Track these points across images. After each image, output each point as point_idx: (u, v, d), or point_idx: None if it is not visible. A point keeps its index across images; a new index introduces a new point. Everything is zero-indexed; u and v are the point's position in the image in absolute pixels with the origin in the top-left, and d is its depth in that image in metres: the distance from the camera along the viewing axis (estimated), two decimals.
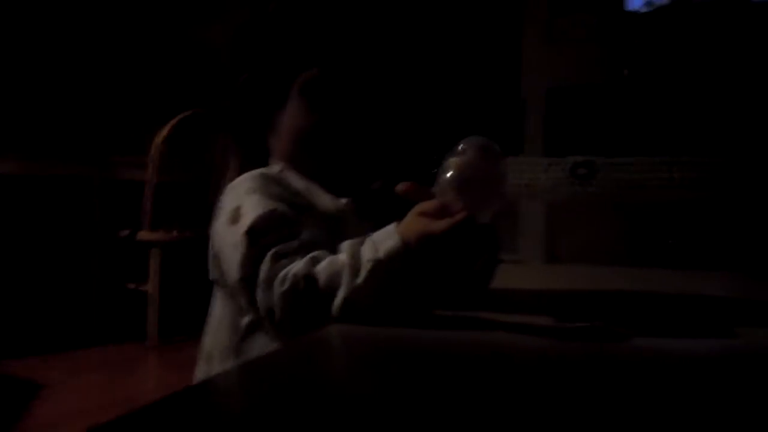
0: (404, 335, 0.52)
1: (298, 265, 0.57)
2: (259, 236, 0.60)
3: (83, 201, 2.75)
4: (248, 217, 0.62)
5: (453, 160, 0.56)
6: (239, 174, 2.94)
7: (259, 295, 0.58)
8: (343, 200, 0.70)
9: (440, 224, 0.54)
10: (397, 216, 0.74)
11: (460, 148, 0.56)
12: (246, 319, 0.65)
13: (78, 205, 2.77)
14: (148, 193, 2.62)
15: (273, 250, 0.58)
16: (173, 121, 2.62)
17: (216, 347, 0.68)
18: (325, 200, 0.69)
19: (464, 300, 0.62)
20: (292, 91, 0.72)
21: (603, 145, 2.10)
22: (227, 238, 0.63)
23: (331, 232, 0.64)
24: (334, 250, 0.60)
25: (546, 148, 2.50)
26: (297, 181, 0.70)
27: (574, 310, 0.67)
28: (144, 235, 2.64)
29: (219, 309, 0.69)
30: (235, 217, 0.64)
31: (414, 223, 0.56)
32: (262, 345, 0.63)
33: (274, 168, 0.73)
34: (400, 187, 0.58)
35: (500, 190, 0.56)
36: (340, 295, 0.55)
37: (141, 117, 3.10)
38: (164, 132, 2.60)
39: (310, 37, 0.73)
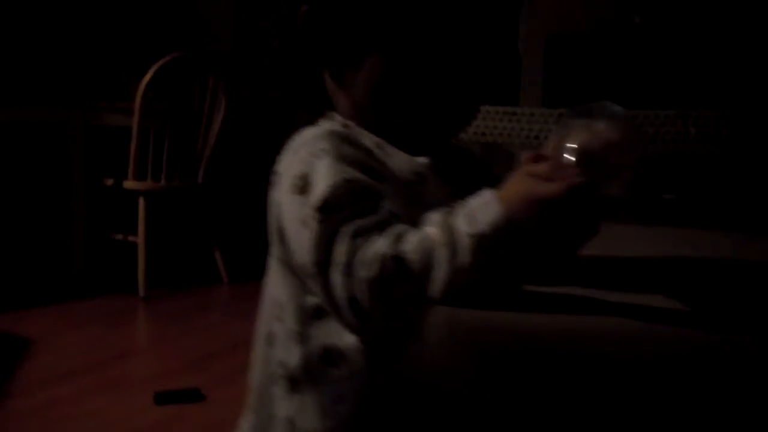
0: (519, 322, 0.45)
1: (381, 245, 0.48)
2: (333, 211, 0.51)
3: (66, 148, 2.62)
4: (320, 188, 0.52)
5: (579, 123, 0.48)
6: (224, 122, 2.77)
7: (337, 281, 0.49)
8: (422, 159, 0.58)
9: (552, 186, 0.46)
10: (481, 176, 0.67)
11: (583, 110, 0.49)
12: (312, 300, 0.56)
13: (60, 152, 2.65)
14: (134, 140, 2.51)
15: (351, 227, 0.49)
16: (158, 65, 2.49)
17: (279, 330, 0.59)
18: (400, 160, 0.58)
19: (553, 271, 0.55)
20: (373, 38, 0.58)
21: (609, 96, 2.03)
22: (293, 211, 0.53)
23: (408, 197, 0.56)
24: (412, 219, 0.51)
25: (544, 99, 2.42)
26: (367, 139, 0.58)
27: (662, 282, 0.60)
28: (130, 183, 2.54)
29: (279, 287, 0.59)
30: (303, 186, 0.53)
31: (518, 184, 0.48)
32: (332, 329, 0.54)
33: (336, 123, 0.61)
34: (526, 157, 0.50)
35: (632, 162, 0.48)
36: (439, 277, 0.47)
37: (127, 61, 2.95)
38: (149, 76, 2.47)
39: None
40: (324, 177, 0.52)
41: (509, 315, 0.46)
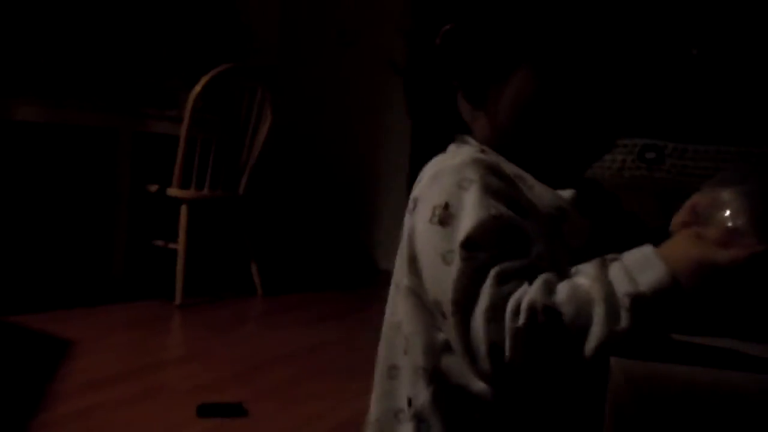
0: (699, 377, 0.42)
1: (531, 292, 0.45)
2: (478, 249, 0.47)
3: (113, 153, 2.65)
4: (465, 223, 0.48)
5: (728, 192, 0.47)
6: (269, 135, 2.77)
7: (479, 325, 0.46)
8: (567, 193, 0.55)
9: (730, 253, 0.43)
10: (615, 212, 0.64)
11: (723, 178, 0.48)
12: (443, 336, 0.54)
13: (107, 157, 2.68)
14: (181, 149, 2.52)
15: (496, 269, 0.46)
16: (209, 76, 2.51)
17: (404, 364, 0.57)
18: (542, 193, 0.54)
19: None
20: (525, 52, 0.55)
21: (666, 129, 2.00)
22: (432, 243, 0.50)
23: (550, 233, 0.53)
24: (554, 256, 0.49)
25: None
26: (508, 168, 0.55)
27: None
28: (174, 191, 2.56)
29: (406, 319, 0.57)
30: (445, 218, 0.50)
31: (688, 246, 0.45)
32: (461, 370, 0.52)
33: (475, 149, 0.57)
34: (676, 222, 0.48)
35: None
36: (595, 337, 0.44)
37: (176, 71, 2.99)
38: (200, 86, 2.50)
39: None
40: (469, 211, 0.50)
41: (688, 370, 0.43)
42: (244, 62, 3.01)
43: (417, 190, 0.56)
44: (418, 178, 0.57)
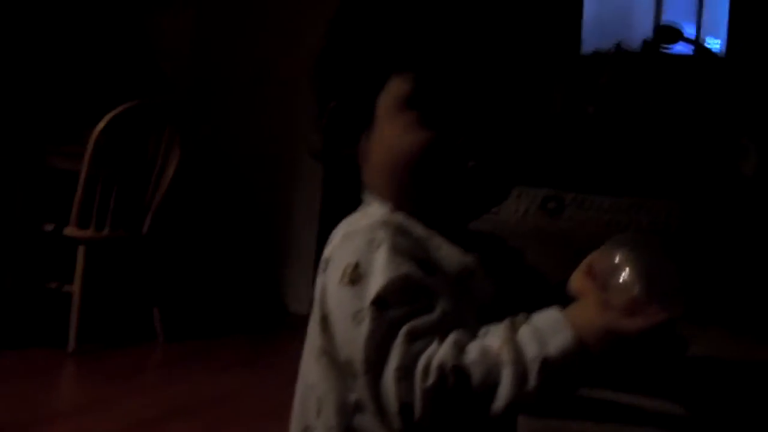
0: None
1: (440, 353, 0.46)
2: (388, 308, 0.49)
3: (5, 189, 2.49)
4: (375, 282, 0.50)
5: (626, 256, 0.50)
6: (176, 174, 2.72)
7: (390, 384, 0.47)
8: (471, 256, 0.57)
9: (635, 322, 0.46)
10: (517, 268, 0.66)
11: (620, 241, 0.51)
12: (354, 396, 0.54)
13: None
14: (80, 186, 2.41)
15: (406, 327, 0.47)
16: (113, 113, 2.43)
17: (317, 425, 0.56)
18: (449, 253, 0.56)
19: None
20: (383, 109, 0.58)
21: (564, 179, 2.11)
22: (343, 302, 0.51)
23: (457, 292, 0.54)
24: (461, 314, 0.51)
25: None
26: (417, 229, 0.57)
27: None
28: (71, 230, 2.43)
29: (320, 379, 0.57)
30: (356, 278, 0.51)
31: (595, 314, 0.47)
32: (373, 429, 0.52)
33: (385, 210, 0.58)
34: (576, 285, 0.51)
35: (679, 286, 0.50)
36: (502, 397, 0.45)
37: (82, 106, 2.86)
38: (103, 123, 2.41)
39: (403, 35, 0.57)
40: (379, 270, 0.51)
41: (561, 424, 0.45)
42: (154, 99, 2.93)
43: (328, 250, 0.57)
44: (330, 238, 0.58)
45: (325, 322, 0.55)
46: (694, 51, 2.20)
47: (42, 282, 2.50)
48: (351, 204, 0.64)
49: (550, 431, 0.44)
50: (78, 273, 2.40)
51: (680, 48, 2.34)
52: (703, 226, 1.85)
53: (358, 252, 0.53)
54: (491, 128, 0.57)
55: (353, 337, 0.50)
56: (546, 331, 0.48)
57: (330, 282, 0.54)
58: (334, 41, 0.62)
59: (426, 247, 0.56)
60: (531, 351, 0.47)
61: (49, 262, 2.59)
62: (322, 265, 0.57)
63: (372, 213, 0.59)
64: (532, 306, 0.52)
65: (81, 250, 2.41)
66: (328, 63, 0.62)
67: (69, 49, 3.01)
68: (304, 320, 0.60)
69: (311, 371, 0.59)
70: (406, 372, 0.47)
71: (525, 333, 0.48)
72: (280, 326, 3.09)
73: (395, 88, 0.57)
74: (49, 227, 2.47)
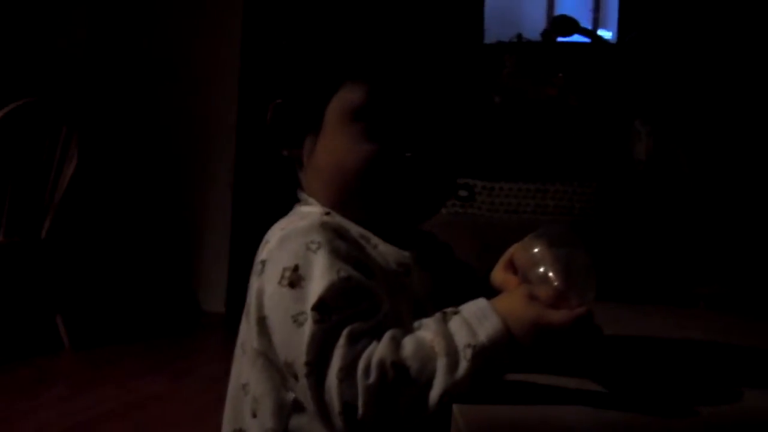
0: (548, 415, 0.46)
1: (379, 350, 0.48)
2: (330, 311, 0.49)
3: None
4: (316, 285, 0.50)
5: (545, 250, 0.53)
6: (75, 176, 2.60)
7: (333, 385, 0.47)
8: (407, 253, 0.58)
9: (560, 315, 0.48)
10: (449, 262, 0.67)
11: (538, 235, 0.54)
12: (292, 396, 0.54)
13: None
14: None
15: (348, 329, 0.48)
16: (5, 110, 2.28)
17: (253, 426, 0.56)
18: (385, 251, 0.57)
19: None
20: (333, 117, 0.58)
21: (474, 168, 2.17)
22: (283, 304, 0.51)
23: (394, 289, 0.55)
24: (398, 310, 0.52)
25: None
26: (353, 229, 0.58)
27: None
28: None
29: (256, 380, 0.56)
30: (295, 280, 0.51)
31: (523, 307, 0.49)
32: (311, 429, 0.53)
33: (321, 213, 0.60)
34: (498, 278, 0.53)
35: (595, 278, 0.53)
36: (438, 388, 0.47)
37: None
38: None
39: (353, 46, 0.59)
40: (319, 273, 0.51)
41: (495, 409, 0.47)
42: (49, 96, 2.76)
43: (264, 252, 0.56)
44: (264, 239, 0.58)
45: (262, 324, 0.54)
46: (591, 41, 2.31)
47: None
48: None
49: (483, 418, 0.45)
50: None
51: (577, 38, 2.46)
52: (604, 207, 1.96)
53: (296, 255, 0.53)
54: (436, 141, 0.59)
55: (294, 339, 0.50)
56: (474, 319, 0.50)
57: (268, 284, 0.54)
58: (291, 41, 0.62)
59: (363, 249, 0.57)
60: (461, 340, 0.48)
61: None
62: (257, 267, 0.56)
63: (307, 214, 0.60)
64: (465, 298, 0.54)
65: None
66: (281, 61, 0.62)
67: None
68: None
69: (245, 373, 0.58)
70: (347, 372, 0.47)
71: (455, 323, 0.50)
72: (195, 327, 3.01)
73: (347, 97, 0.58)
74: None
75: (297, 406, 0.54)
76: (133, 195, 3.40)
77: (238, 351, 0.59)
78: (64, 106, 2.55)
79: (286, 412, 0.55)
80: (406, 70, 0.58)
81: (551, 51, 2.30)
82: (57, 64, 3.22)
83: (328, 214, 0.60)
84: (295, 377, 0.50)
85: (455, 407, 0.46)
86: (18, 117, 2.31)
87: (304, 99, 0.61)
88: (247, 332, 0.57)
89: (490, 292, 0.59)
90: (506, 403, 0.48)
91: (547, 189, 1.97)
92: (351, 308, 0.50)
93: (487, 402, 0.47)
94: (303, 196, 0.63)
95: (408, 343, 0.49)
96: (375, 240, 0.59)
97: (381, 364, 0.47)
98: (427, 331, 0.50)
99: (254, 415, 0.56)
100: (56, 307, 2.50)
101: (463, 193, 1.98)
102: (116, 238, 3.38)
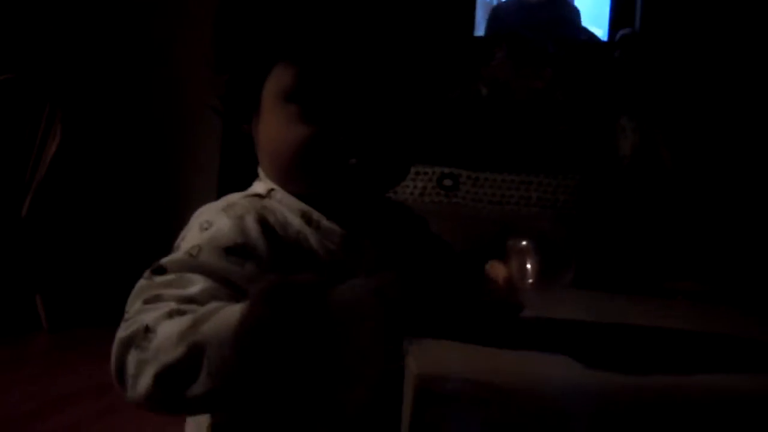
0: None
1: (152, 314, 0.47)
2: (157, 274, 0.51)
3: None
4: (172, 254, 0.53)
5: (525, 245, 0.57)
6: (57, 153, 2.57)
7: (117, 336, 0.49)
8: (336, 233, 0.58)
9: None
10: (420, 234, 0.67)
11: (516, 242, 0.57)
12: None
13: None
14: None
15: (153, 292, 0.49)
16: None
17: None
18: (327, 229, 0.57)
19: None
20: (268, 97, 0.58)
21: (459, 158, 2.17)
22: None
23: (332, 268, 0.55)
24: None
25: None
26: (293, 208, 0.58)
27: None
28: None
29: None
30: (175, 248, 0.54)
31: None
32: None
33: (259, 191, 0.60)
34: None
35: (571, 268, 0.57)
36: (148, 372, 0.46)
37: None
38: None
39: (289, 25, 0.57)
40: (182, 247, 0.53)
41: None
42: (31, 72, 2.73)
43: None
44: None
45: None
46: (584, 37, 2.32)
47: None
48: (249, 181, 0.64)
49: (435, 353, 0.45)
50: None
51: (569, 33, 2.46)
52: (587, 200, 1.96)
53: (189, 228, 0.56)
54: (372, 124, 0.57)
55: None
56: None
57: None
58: (226, 17, 0.61)
59: (293, 230, 0.57)
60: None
61: None
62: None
63: (244, 193, 0.61)
64: (436, 270, 0.55)
65: None
66: (221, 36, 0.61)
67: None
68: None
69: None
70: (126, 324, 0.49)
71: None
72: None
73: (278, 79, 0.57)
74: None
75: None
76: (117, 175, 3.36)
77: None
78: (47, 83, 2.52)
79: None
80: (335, 53, 0.56)
81: (541, 45, 2.30)
82: (40, 40, 3.18)
83: (271, 190, 0.60)
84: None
85: (409, 345, 0.46)
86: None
87: (242, 78, 0.60)
88: None
89: (469, 269, 0.62)
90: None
91: (531, 181, 1.97)
92: (175, 279, 0.50)
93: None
94: (259, 171, 0.62)
95: (174, 323, 0.47)
96: (317, 216, 0.58)
97: (139, 323, 0.48)
98: (206, 311, 0.48)
99: None
100: (36, 287, 2.47)
101: (447, 182, 1.98)
102: (98, 218, 3.35)
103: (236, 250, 0.52)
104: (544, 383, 0.46)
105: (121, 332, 0.48)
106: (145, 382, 0.46)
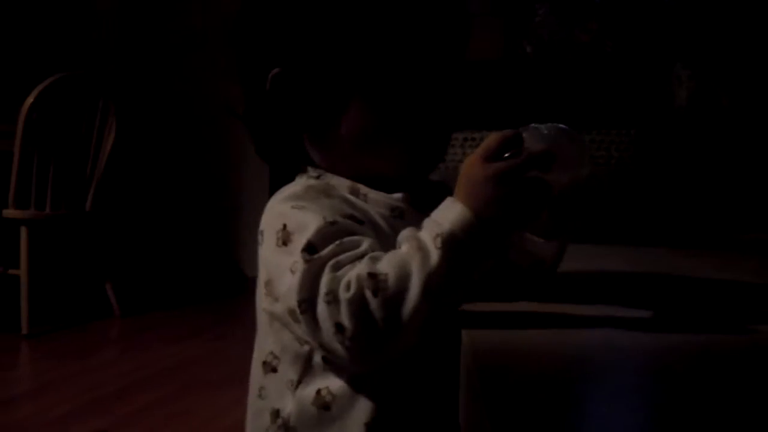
0: (516, 339, 0.45)
1: (358, 267, 0.48)
2: (317, 251, 0.50)
3: None
4: (303, 234, 0.51)
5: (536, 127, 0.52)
6: (115, 146, 2.64)
7: (323, 312, 0.48)
8: (397, 195, 0.58)
9: (510, 160, 0.48)
10: None
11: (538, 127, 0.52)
12: (307, 347, 0.55)
13: None
14: (15, 165, 2.32)
15: (332, 261, 0.49)
16: (43, 85, 2.33)
17: (273, 381, 0.58)
18: (376, 198, 0.58)
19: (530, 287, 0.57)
20: (353, 85, 0.57)
21: (507, 120, 2.13)
22: (281, 262, 0.52)
23: (387, 234, 0.55)
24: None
25: None
26: (342, 187, 0.59)
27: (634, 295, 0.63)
28: (11, 212, 2.35)
29: (272, 341, 0.58)
30: (285, 238, 0.53)
31: (476, 172, 0.48)
32: (327, 372, 0.54)
33: (308, 177, 0.61)
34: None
35: (585, 163, 0.52)
36: (416, 286, 0.46)
37: (12, 82, 2.73)
38: (32, 97, 2.31)
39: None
40: (306, 224, 0.52)
41: (504, 333, 0.47)
42: (85, 69, 2.81)
43: (261, 224, 0.58)
44: (264, 212, 0.59)
45: (268, 286, 0.55)
46: None
47: None
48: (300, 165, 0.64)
49: (494, 342, 0.45)
50: (23, 255, 2.33)
51: None
52: (643, 154, 1.90)
53: (284, 217, 0.54)
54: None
55: (290, 285, 0.50)
56: (439, 214, 0.50)
57: (267, 251, 0.55)
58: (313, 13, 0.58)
59: (352, 202, 0.58)
60: (429, 234, 0.49)
61: None
62: (258, 238, 0.57)
63: (298, 182, 0.61)
64: None
65: (23, 232, 2.34)
66: (284, 21, 0.59)
67: None
68: None
69: (263, 337, 0.60)
70: (333, 295, 0.48)
71: (425, 224, 0.50)
72: (239, 292, 3.07)
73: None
74: None
75: (312, 357, 0.55)
76: (174, 165, 3.46)
77: (258, 318, 0.61)
78: (99, 79, 2.60)
79: (303, 363, 0.56)
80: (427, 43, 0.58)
81: None
82: (91, 38, 3.27)
83: (318, 177, 0.60)
84: (297, 321, 0.51)
85: (464, 333, 0.46)
86: (55, 92, 2.36)
87: (320, 68, 0.58)
88: (258, 298, 0.59)
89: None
90: (515, 328, 0.47)
91: (587, 138, 1.91)
92: (337, 246, 0.51)
93: (496, 327, 0.46)
94: (305, 167, 0.63)
95: (385, 256, 0.49)
96: (365, 189, 0.59)
97: (358, 278, 0.48)
98: (402, 243, 0.50)
99: (274, 370, 0.58)
100: (105, 275, 2.58)
101: None
102: (159, 207, 3.46)
103: (351, 216, 0.55)
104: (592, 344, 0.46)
105: (344, 295, 0.47)
106: (411, 305, 0.47)
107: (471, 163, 0.49)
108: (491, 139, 0.50)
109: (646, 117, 2.05)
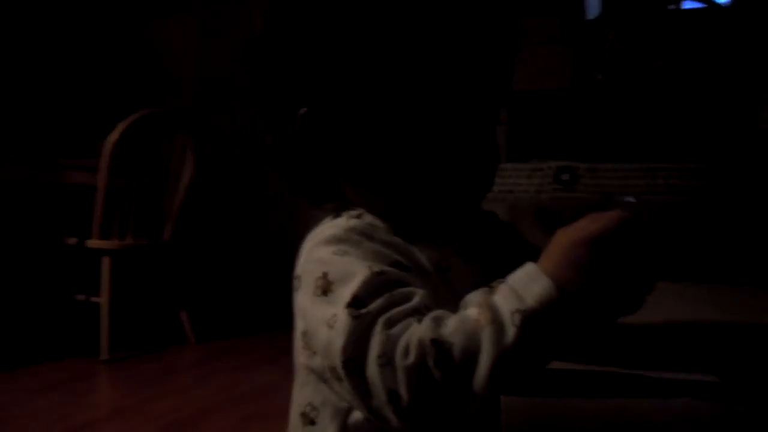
0: (581, 408, 0.42)
1: (419, 329, 0.44)
2: (365, 305, 0.46)
3: (26, 206, 2.54)
4: (349, 286, 0.47)
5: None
6: (192, 179, 2.68)
7: (374, 374, 0.44)
8: (446, 249, 0.55)
9: (600, 221, 0.43)
10: (510, 243, 0.64)
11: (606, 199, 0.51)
12: (345, 404, 0.53)
13: (20, 211, 2.56)
14: (99, 198, 2.45)
15: (384, 317, 0.45)
16: (126, 122, 2.46)
17: None
18: (422, 247, 0.54)
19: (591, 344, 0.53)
20: (384, 122, 0.53)
21: (576, 150, 2.08)
22: (320, 313, 0.49)
23: (436, 286, 0.52)
24: (441, 304, 0.47)
25: (509, 153, 2.46)
26: (384, 233, 0.54)
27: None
28: (95, 242, 2.47)
29: (311, 393, 0.56)
30: (326, 287, 0.49)
31: (558, 240, 0.44)
32: (371, 426, 0.51)
33: (348, 217, 0.56)
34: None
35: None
36: (484, 360, 0.42)
37: (93, 118, 2.91)
38: (117, 133, 2.44)
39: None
40: (350, 273, 0.49)
41: (571, 401, 0.44)
42: (164, 106, 2.95)
43: (297, 267, 0.55)
44: (299, 253, 0.56)
45: (305, 338, 0.53)
46: (704, 5, 2.15)
47: (69, 295, 2.55)
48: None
49: (535, 409, 0.42)
50: (104, 283, 2.44)
51: (688, 4, 2.29)
52: (723, 184, 1.81)
53: (325, 263, 0.51)
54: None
55: (330, 341, 0.47)
56: (520, 284, 0.45)
57: (304, 299, 0.52)
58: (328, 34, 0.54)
59: (398, 247, 0.54)
60: (507, 307, 0.44)
61: (75, 275, 2.64)
62: (294, 283, 0.55)
63: (336, 223, 0.56)
64: None
65: (106, 261, 2.45)
66: (310, 66, 0.55)
67: (74, 61, 3.05)
68: None
69: (300, 389, 0.58)
70: (387, 358, 0.44)
71: (501, 292, 0.46)
72: None
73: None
74: (72, 241, 2.52)
75: (353, 411, 0.53)
76: (248, 196, 3.56)
77: (296, 369, 0.59)
78: (178, 114, 2.72)
79: (343, 417, 0.53)
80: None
81: (657, 21, 2.16)
82: (167, 75, 3.43)
83: (359, 216, 0.56)
84: (339, 380, 0.47)
85: (504, 398, 0.43)
86: (138, 128, 2.49)
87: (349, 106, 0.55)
88: (296, 349, 0.56)
89: None
90: (560, 395, 0.44)
91: (657, 167, 1.85)
92: (386, 299, 0.47)
93: (537, 394, 0.43)
94: (341, 205, 0.59)
95: (451, 322, 0.45)
96: (405, 245, 0.55)
97: (420, 343, 0.44)
98: (471, 306, 0.46)
99: (313, 423, 0.55)
100: (181, 304, 2.67)
101: (564, 176, 1.91)
102: (233, 237, 3.56)
103: (397, 263, 0.51)
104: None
105: (401, 361, 0.43)
106: (477, 382, 0.43)
107: (573, 242, 0.44)
108: (608, 220, 0.44)
109: (727, 144, 1.96)
